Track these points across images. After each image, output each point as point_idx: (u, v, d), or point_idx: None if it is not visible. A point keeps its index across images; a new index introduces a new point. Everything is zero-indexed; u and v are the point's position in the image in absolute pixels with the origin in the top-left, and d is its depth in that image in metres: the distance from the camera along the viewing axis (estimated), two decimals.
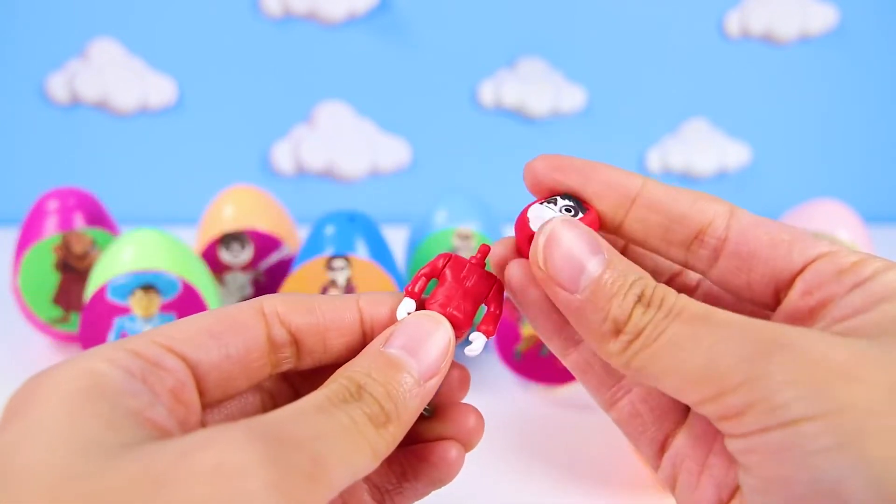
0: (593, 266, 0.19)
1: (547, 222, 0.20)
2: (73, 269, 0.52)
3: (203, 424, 0.19)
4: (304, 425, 0.16)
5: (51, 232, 0.51)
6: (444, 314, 0.21)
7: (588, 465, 0.43)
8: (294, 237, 0.59)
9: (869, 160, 0.87)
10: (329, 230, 0.51)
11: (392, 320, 0.21)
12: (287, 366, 0.20)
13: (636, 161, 0.86)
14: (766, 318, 0.20)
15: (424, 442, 0.22)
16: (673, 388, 0.18)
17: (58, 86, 0.78)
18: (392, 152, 0.83)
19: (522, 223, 0.21)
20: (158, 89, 0.79)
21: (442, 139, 0.83)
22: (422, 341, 0.20)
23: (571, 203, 0.20)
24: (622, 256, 0.19)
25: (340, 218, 0.51)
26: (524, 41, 0.82)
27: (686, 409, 0.21)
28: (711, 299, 0.22)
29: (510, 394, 0.50)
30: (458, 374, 0.22)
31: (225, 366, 0.19)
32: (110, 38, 0.78)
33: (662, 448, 0.21)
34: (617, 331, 0.18)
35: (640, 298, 0.18)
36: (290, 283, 0.49)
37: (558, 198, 0.21)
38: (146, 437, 0.16)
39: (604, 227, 0.21)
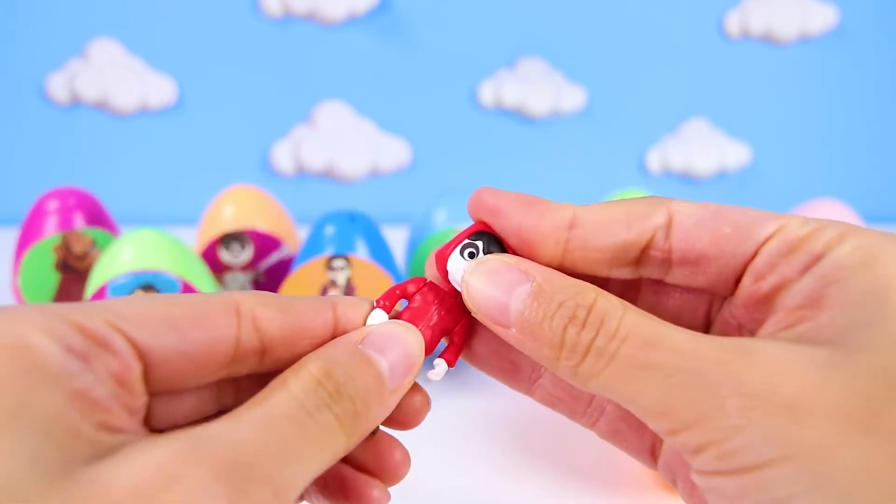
0: (516, 299, 0.18)
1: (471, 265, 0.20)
2: (73, 269, 0.52)
3: (148, 412, 0.17)
4: (274, 446, 0.15)
5: (51, 232, 0.51)
6: None
7: (588, 465, 0.43)
8: (294, 237, 0.59)
9: (869, 160, 0.87)
10: (329, 230, 0.51)
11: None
12: (245, 372, 0.19)
13: (636, 161, 0.86)
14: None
15: (347, 466, 0.20)
16: (637, 413, 0.17)
17: (58, 86, 0.78)
18: (392, 152, 0.83)
19: (442, 267, 0.21)
20: (158, 89, 0.79)
21: (442, 139, 0.83)
22: (395, 346, 0.19)
23: (493, 249, 0.20)
24: (557, 274, 0.19)
25: (340, 218, 0.51)
26: (524, 41, 0.82)
27: None
28: (658, 290, 0.21)
29: (510, 394, 0.50)
30: (419, 397, 0.20)
31: (178, 361, 0.17)
32: (110, 38, 0.78)
33: (653, 455, 0.21)
34: (556, 355, 0.18)
35: (571, 319, 0.17)
36: (290, 283, 0.49)
37: (480, 243, 0.20)
38: (92, 435, 0.14)
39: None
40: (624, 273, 0.20)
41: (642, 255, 0.19)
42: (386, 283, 0.49)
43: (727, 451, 0.16)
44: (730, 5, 0.81)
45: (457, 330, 0.21)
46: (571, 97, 0.82)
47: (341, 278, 0.49)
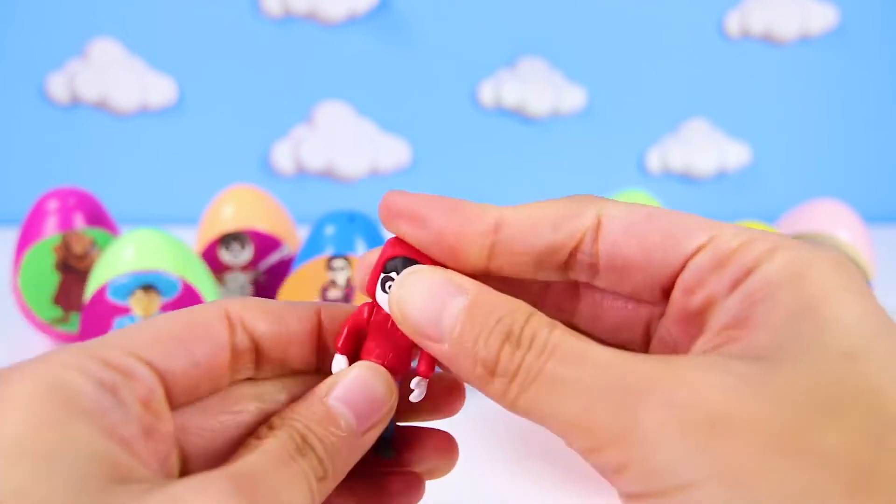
0: (451, 311, 0.18)
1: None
2: (73, 269, 0.52)
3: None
4: (274, 477, 0.17)
5: (51, 232, 0.51)
6: (382, 365, 0.20)
7: (589, 466, 0.43)
8: (294, 237, 0.59)
9: (869, 160, 0.87)
10: (329, 230, 0.51)
11: None
12: (246, 374, 0.20)
13: (636, 161, 0.86)
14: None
15: (389, 472, 0.22)
16: (559, 433, 0.17)
17: (58, 86, 0.78)
18: (392, 152, 0.83)
19: (372, 287, 0.20)
20: (158, 89, 0.79)
21: (442, 139, 0.83)
22: (362, 393, 0.19)
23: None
24: (489, 290, 0.18)
25: (340, 218, 0.51)
26: (524, 41, 0.82)
27: None
28: (598, 297, 0.21)
29: None
30: (449, 383, 0.21)
31: (192, 373, 0.19)
32: (110, 38, 0.78)
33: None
34: (491, 373, 0.17)
35: (508, 337, 0.17)
36: (290, 283, 0.49)
37: (394, 274, 0.20)
38: (125, 464, 0.16)
39: (466, 274, 0.19)
40: (552, 276, 0.19)
41: (570, 259, 0.19)
42: None
43: (647, 470, 0.15)
44: (730, 5, 0.81)
45: None
46: (571, 97, 0.82)
47: (341, 278, 0.49)
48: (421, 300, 0.18)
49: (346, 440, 0.19)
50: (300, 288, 0.49)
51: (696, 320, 0.18)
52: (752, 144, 0.86)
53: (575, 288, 0.21)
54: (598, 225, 0.18)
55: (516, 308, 0.17)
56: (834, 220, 0.53)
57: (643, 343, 0.20)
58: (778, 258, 0.16)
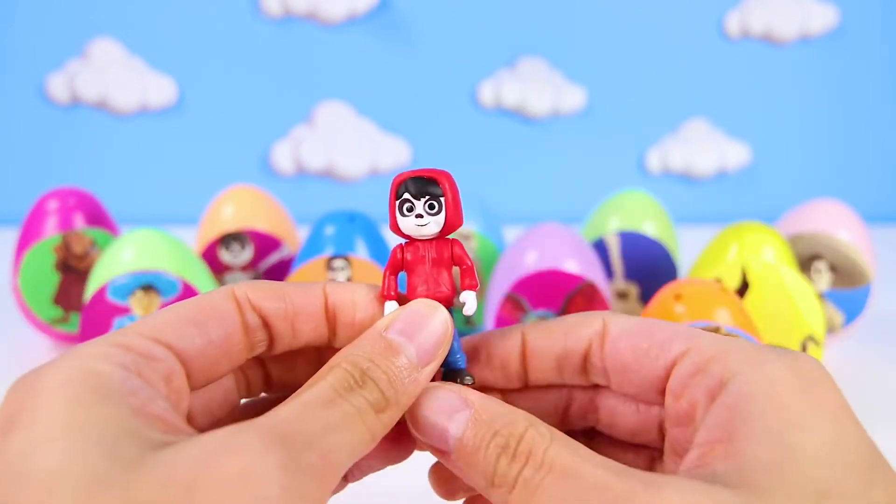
0: (454, 427, 0.19)
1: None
2: (73, 269, 0.52)
3: (189, 409, 0.20)
4: (312, 421, 0.17)
5: (51, 232, 0.51)
6: (433, 298, 0.21)
7: None
8: (294, 237, 0.59)
9: (869, 160, 0.87)
10: (329, 230, 0.51)
11: (355, 308, 0.22)
12: (261, 348, 0.21)
13: (636, 161, 0.86)
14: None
15: None
16: None
17: (58, 86, 0.78)
18: (392, 152, 0.83)
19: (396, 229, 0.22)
20: (158, 89, 0.79)
21: (442, 139, 0.84)
22: (420, 327, 0.20)
23: (433, 201, 0.21)
24: (492, 402, 0.20)
25: (340, 218, 0.51)
26: (524, 41, 0.82)
27: None
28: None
29: None
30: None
31: (208, 351, 0.19)
32: (110, 38, 0.78)
33: None
34: (490, 484, 0.18)
35: (504, 449, 0.18)
36: None
37: (409, 184, 0.21)
38: (157, 437, 0.16)
39: (509, 381, 0.22)
40: (575, 379, 0.22)
41: (586, 363, 0.21)
42: None
43: None
44: (730, 5, 0.81)
45: (456, 257, 0.22)
46: (571, 97, 0.82)
47: (341, 278, 0.49)
48: (429, 419, 0.20)
49: (408, 371, 0.19)
50: None
51: (688, 422, 0.19)
52: (752, 144, 0.86)
53: (595, 397, 0.23)
54: (603, 331, 0.21)
55: (514, 421, 0.19)
56: (834, 220, 0.53)
57: (661, 443, 0.22)
58: (752, 372, 0.18)
